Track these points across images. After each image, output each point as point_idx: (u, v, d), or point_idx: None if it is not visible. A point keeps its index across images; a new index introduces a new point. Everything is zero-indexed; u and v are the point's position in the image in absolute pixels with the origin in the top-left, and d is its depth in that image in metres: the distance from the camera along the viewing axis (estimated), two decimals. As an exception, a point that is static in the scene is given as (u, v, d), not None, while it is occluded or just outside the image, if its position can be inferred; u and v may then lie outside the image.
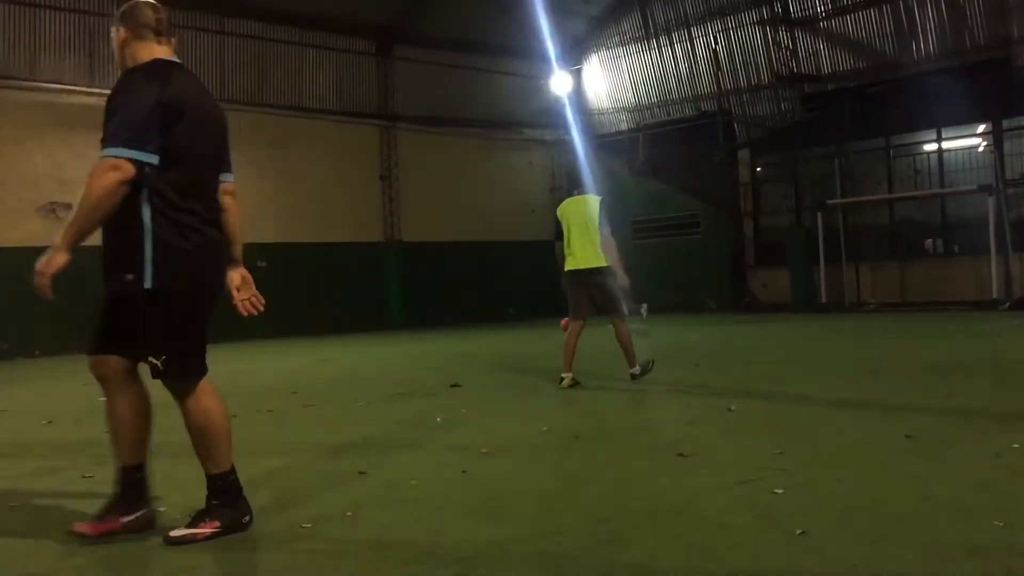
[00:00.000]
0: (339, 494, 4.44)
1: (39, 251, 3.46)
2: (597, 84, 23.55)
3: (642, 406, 7.21)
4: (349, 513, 4.03)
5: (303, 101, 19.02)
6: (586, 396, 7.84)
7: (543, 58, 21.89)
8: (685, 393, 7.80)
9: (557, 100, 22.70)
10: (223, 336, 14.26)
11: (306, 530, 3.78)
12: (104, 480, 4.93)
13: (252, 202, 18.02)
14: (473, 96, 21.63)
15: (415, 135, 20.52)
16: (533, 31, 20.90)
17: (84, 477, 5.02)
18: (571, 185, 9.45)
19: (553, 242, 8.85)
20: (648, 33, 22.16)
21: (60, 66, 15.79)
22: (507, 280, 21.59)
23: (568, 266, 8.38)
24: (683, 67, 21.83)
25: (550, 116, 22.96)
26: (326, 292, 17.35)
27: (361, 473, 4.85)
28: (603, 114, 23.59)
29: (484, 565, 3.26)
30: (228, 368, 11.60)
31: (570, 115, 22.83)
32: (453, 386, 8.65)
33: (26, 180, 15.37)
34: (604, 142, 23.26)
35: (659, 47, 22.08)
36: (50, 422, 7.46)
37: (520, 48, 21.69)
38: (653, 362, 8.50)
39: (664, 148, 22.17)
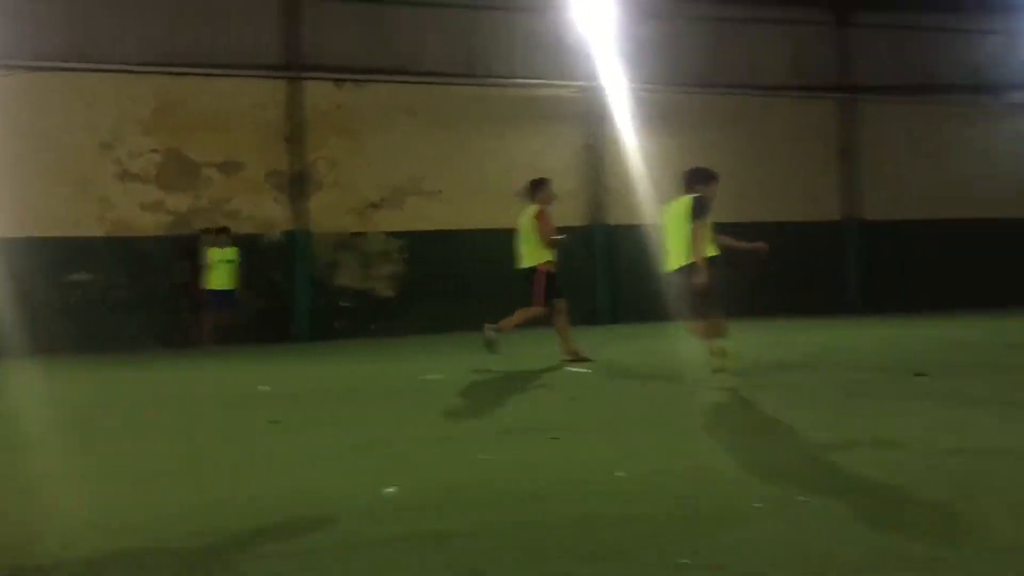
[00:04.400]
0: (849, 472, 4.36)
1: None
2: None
3: None
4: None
5: (756, 79, 18.75)
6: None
7: (1028, 11, 19.33)
8: None
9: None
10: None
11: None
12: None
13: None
14: (945, 60, 19.70)
15: (879, 107, 19.31)
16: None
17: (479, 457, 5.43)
18: None
19: None
20: None
21: (531, 62, 17.16)
22: (990, 263, 19.25)
23: None
24: None
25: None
26: (780, 273, 16.82)
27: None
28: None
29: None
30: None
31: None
32: (917, 375, 8.01)
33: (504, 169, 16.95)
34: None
35: None
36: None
37: (996, 0, 19.29)
38: None
39: None
